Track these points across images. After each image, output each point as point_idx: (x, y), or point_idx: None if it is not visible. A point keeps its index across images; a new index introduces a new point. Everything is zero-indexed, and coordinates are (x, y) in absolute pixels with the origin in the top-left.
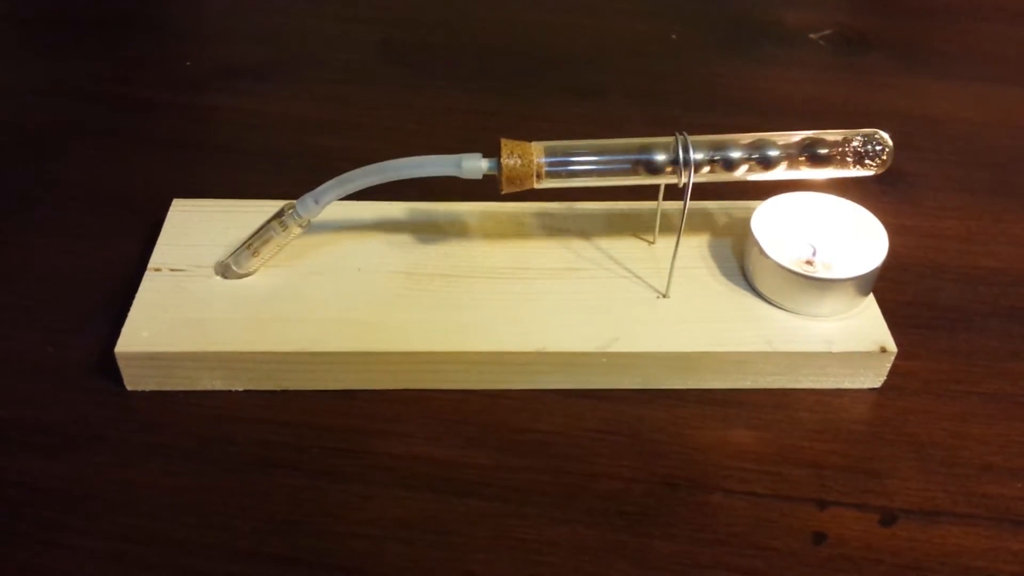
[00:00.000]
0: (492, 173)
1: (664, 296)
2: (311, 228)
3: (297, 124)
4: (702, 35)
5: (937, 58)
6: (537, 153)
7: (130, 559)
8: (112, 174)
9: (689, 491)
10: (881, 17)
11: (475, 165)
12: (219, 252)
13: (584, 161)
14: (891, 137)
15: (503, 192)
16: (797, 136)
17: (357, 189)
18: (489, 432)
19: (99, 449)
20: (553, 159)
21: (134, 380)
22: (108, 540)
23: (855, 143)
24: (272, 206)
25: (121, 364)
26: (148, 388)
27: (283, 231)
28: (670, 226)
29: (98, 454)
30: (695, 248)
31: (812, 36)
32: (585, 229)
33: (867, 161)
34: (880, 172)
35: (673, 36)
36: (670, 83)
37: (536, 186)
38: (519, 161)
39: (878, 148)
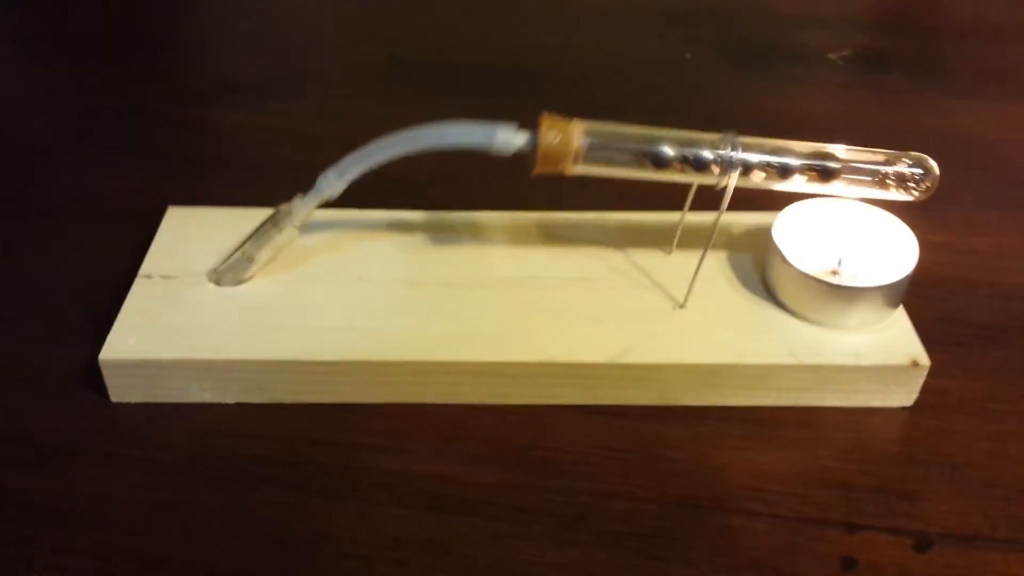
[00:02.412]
0: (525, 151)
1: (681, 307)
2: (309, 236)
3: (300, 138)
4: (717, 55)
5: (959, 77)
6: (578, 133)
7: None
8: (110, 185)
9: (708, 513)
10: (900, 38)
11: (509, 138)
12: (213, 259)
13: (625, 148)
14: (913, 149)
15: (535, 173)
16: (843, 151)
17: (383, 162)
18: (494, 448)
19: (78, 462)
20: (595, 141)
21: (119, 391)
22: (82, 557)
23: (900, 165)
24: (270, 213)
25: (105, 372)
26: (134, 400)
27: (278, 234)
28: (688, 237)
29: (77, 467)
30: (714, 258)
31: (831, 56)
32: (598, 239)
33: (910, 185)
34: (921, 199)
35: (688, 55)
36: (685, 100)
37: (571, 171)
38: (559, 138)
39: (923, 173)
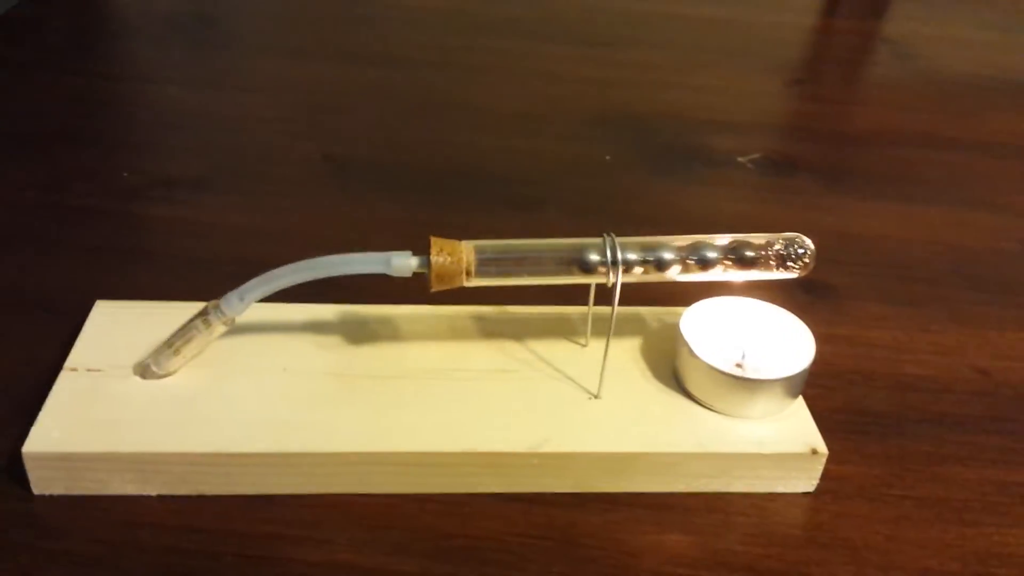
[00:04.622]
0: (422, 271)
1: (596, 397)
2: (237, 330)
3: (233, 233)
4: (635, 158)
5: (861, 180)
6: (467, 251)
7: None
8: (39, 279)
9: None
10: (807, 143)
11: (404, 263)
12: (140, 353)
13: (514, 260)
14: (816, 248)
15: (432, 290)
16: (723, 239)
17: (284, 287)
18: (416, 538)
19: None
20: (483, 257)
21: (42, 483)
22: None
23: (777, 246)
24: (199, 308)
25: (28, 466)
26: (56, 492)
27: (206, 329)
28: (603, 330)
29: None
30: (627, 351)
31: (740, 159)
32: (518, 332)
33: (789, 263)
34: (803, 275)
35: (607, 157)
36: (604, 200)
37: (466, 284)
38: (448, 259)
39: (800, 251)
